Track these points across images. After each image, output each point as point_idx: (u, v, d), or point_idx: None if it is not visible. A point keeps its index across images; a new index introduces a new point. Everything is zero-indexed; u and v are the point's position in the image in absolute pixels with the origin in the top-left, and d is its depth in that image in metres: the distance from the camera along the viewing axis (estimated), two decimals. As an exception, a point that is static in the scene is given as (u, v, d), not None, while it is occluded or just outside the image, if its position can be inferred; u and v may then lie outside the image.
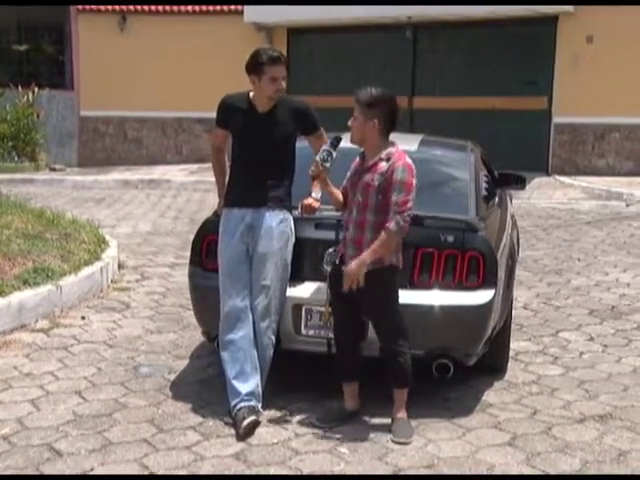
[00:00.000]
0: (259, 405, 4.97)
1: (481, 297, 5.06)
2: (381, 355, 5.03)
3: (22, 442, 4.72)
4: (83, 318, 7.01)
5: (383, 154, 4.80)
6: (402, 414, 4.90)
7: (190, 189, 15.14)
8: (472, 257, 5.07)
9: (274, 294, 5.06)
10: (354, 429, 4.90)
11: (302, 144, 5.30)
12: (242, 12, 17.28)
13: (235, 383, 4.95)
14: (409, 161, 4.77)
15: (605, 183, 14.92)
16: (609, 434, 4.95)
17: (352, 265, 4.67)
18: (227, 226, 5.14)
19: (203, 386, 5.57)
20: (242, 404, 4.89)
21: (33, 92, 18.08)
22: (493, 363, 5.72)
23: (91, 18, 18.87)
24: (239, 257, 5.07)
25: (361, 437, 4.80)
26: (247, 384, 4.94)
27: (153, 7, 18.75)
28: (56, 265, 7.51)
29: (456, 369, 5.19)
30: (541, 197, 13.76)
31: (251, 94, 5.20)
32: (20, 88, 18.04)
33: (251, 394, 4.93)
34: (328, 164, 4.84)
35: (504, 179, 7.08)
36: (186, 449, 4.65)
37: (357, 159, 4.97)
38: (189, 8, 18.53)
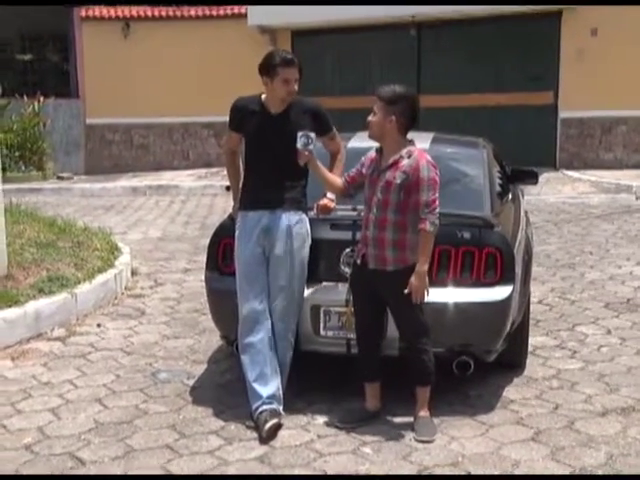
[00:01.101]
0: (280, 407, 4.95)
1: (499, 293, 5.04)
2: (401, 354, 5.02)
3: (45, 451, 4.72)
4: (99, 326, 7.01)
5: (404, 152, 4.78)
6: (425, 412, 4.89)
7: (199, 194, 15.15)
8: (489, 253, 5.05)
9: (292, 296, 5.05)
10: (377, 429, 4.88)
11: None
12: (246, 15, 17.28)
13: (256, 386, 4.93)
14: (431, 159, 4.76)
15: (614, 176, 14.88)
16: (632, 427, 4.93)
17: (416, 282, 4.65)
18: (243, 229, 5.12)
19: (223, 390, 5.56)
20: (264, 407, 4.87)
21: (39, 101, 18.07)
22: (512, 359, 5.69)
23: (95, 26, 18.85)
24: (256, 259, 5.06)
25: (384, 437, 4.78)
26: (268, 387, 4.93)
27: (157, 13, 18.77)
28: (70, 273, 7.51)
29: (476, 366, 5.17)
30: (550, 192, 13.73)
31: (263, 96, 5.19)
32: (26, 98, 18.03)
33: (272, 397, 4.92)
34: (311, 146, 4.89)
35: (516, 175, 7.06)
36: (209, 454, 4.63)
37: (372, 154, 4.95)
38: (192, 13, 18.53)
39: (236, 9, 18.04)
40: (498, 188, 5.98)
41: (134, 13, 18.90)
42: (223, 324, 5.50)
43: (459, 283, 5.06)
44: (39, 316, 6.76)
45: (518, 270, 5.26)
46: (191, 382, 5.74)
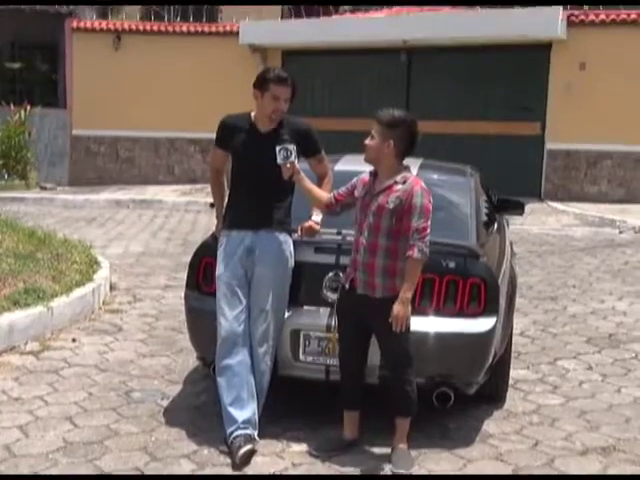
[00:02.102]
0: (255, 433, 4.81)
1: (483, 325, 4.93)
2: (382, 382, 4.90)
3: (10, 471, 4.55)
4: (74, 340, 6.84)
5: (398, 177, 4.68)
6: (403, 444, 4.75)
7: (182, 210, 15.00)
8: (474, 284, 4.94)
9: (272, 319, 4.92)
10: (353, 459, 4.75)
11: (302, 166, 5.16)
12: (237, 33, 17.20)
13: (231, 410, 4.80)
14: (425, 186, 4.66)
15: (598, 210, 14.83)
16: (612, 467, 4.82)
17: (398, 309, 4.50)
18: (225, 248, 5.00)
19: (197, 412, 5.41)
20: (238, 432, 4.73)
21: (25, 110, 17.95)
22: (493, 392, 5.58)
23: (86, 37, 18.67)
24: (237, 280, 4.93)
25: (360, 468, 4.65)
26: (244, 411, 4.79)
27: (148, 27, 18.63)
28: (47, 286, 7.35)
29: (456, 398, 5.05)
30: (534, 223, 13.66)
31: (252, 114, 5.09)
32: (12, 106, 17.89)
33: (247, 422, 4.78)
34: (292, 158, 4.80)
35: (503, 204, 6.98)
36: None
37: (365, 177, 4.83)
38: (184, 28, 18.39)
39: (228, 26, 17.96)
40: (484, 217, 5.88)
41: (126, 26, 18.75)
42: (200, 345, 5.36)
43: (442, 313, 4.95)
44: (13, 329, 6.59)
45: (502, 302, 5.15)
46: (165, 403, 5.58)
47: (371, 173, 4.82)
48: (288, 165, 4.81)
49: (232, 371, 4.84)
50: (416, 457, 4.78)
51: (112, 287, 8.56)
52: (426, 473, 4.64)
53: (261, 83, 4.98)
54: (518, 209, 7.20)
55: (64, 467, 4.60)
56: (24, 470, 4.56)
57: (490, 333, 4.94)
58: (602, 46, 15.77)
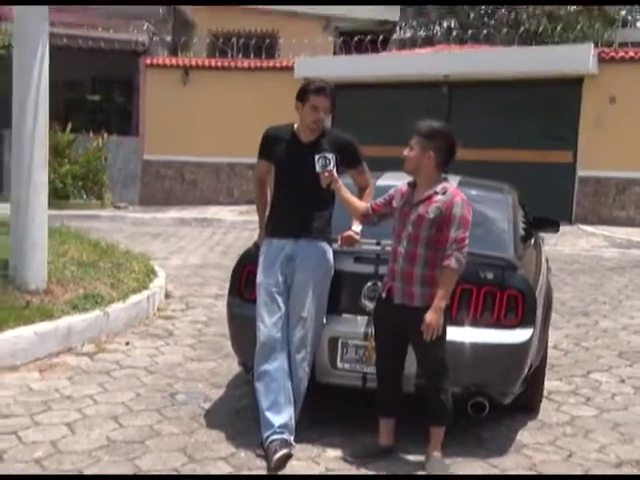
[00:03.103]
0: (291, 438, 4.38)
1: (519, 336, 4.46)
2: (418, 391, 4.45)
3: (53, 466, 4.21)
4: (127, 344, 6.49)
5: (438, 187, 4.25)
6: (437, 452, 4.29)
7: (239, 228, 14.60)
8: (511, 295, 4.48)
9: (311, 326, 4.50)
10: (387, 465, 4.31)
11: (344, 181, 4.75)
12: (293, 68, 16.90)
13: (268, 415, 4.38)
14: (465, 198, 4.23)
15: (625, 233, 14.21)
16: (648, 481, 4.32)
17: (430, 317, 4.08)
18: (266, 256, 4.61)
19: (237, 416, 5.00)
20: (275, 436, 4.31)
21: (103, 137, 17.86)
22: (527, 402, 5.08)
23: (158, 72, 18.59)
24: (277, 287, 4.53)
25: (394, 475, 4.20)
26: (280, 416, 4.37)
27: (213, 63, 18.50)
28: (105, 292, 7.02)
29: (490, 408, 4.58)
30: (566, 244, 13.05)
31: (295, 125, 4.72)
32: (92, 134, 17.85)
33: (284, 426, 4.35)
34: (331, 167, 4.41)
35: (538, 222, 6.50)
36: (216, 481, 4.08)
37: (403, 187, 4.40)
38: (245, 64, 18.20)
39: (285, 62, 17.69)
40: (521, 232, 5.41)
41: (193, 62, 18.63)
42: (242, 350, 4.95)
43: (479, 323, 4.49)
44: (70, 331, 6.26)
45: (539, 314, 4.67)
46: (207, 405, 5.18)
47: (409, 184, 4.40)
48: (326, 173, 4.42)
49: (270, 376, 4.43)
50: (450, 465, 4.33)
51: (167, 295, 8.21)
52: (460, 482, 4.17)
53: (301, 94, 4.61)
54: (554, 226, 6.72)
55: (105, 465, 4.24)
56: (67, 466, 4.21)
57: (526, 344, 4.46)
58: (631, 81, 15.24)
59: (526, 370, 4.55)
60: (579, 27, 20.44)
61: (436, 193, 4.22)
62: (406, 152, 4.30)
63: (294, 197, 4.61)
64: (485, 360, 4.44)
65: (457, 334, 4.38)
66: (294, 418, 4.44)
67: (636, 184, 15.42)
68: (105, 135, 17.97)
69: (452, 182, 4.79)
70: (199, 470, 4.18)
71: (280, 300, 4.51)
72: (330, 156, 4.39)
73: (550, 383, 5.73)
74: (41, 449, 4.41)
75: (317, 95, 4.55)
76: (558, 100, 15.70)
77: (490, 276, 4.48)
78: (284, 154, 4.65)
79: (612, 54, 15.60)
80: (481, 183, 6.04)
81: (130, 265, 8.11)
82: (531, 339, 4.47)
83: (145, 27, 18.83)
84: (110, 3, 17.46)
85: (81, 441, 4.54)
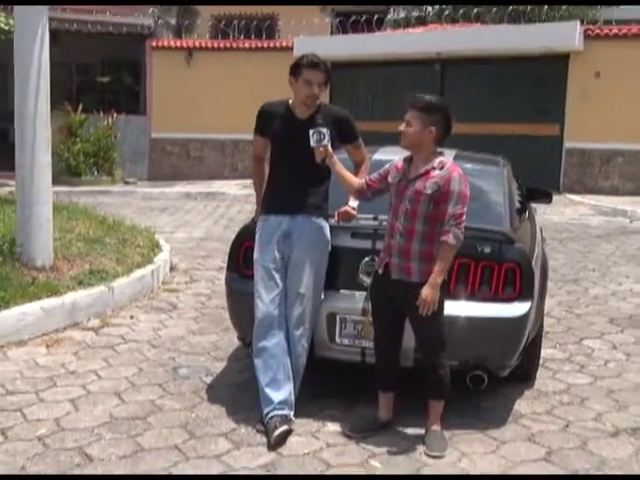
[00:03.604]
0: (291, 413, 4.11)
1: (518, 309, 4.17)
2: (416, 365, 4.16)
3: (56, 444, 3.94)
4: (132, 318, 6.20)
5: (436, 162, 3.93)
6: (436, 426, 4.02)
7: (242, 201, 14.25)
8: (509, 269, 4.18)
9: (309, 302, 4.19)
10: (387, 440, 4.03)
11: (340, 155, 4.42)
12: (292, 48, 16.45)
13: (268, 391, 4.09)
14: (462, 173, 3.90)
15: (611, 201, 13.90)
16: (645, 450, 4.04)
17: (427, 292, 3.78)
18: (263, 233, 4.29)
19: (238, 390, 4.72)
20: (274, 412, 4.03)
21: (112, 117, 17.55)
22: (524, 372, 4.79)
23: (163, 54, 18.20)
24: (274, 264, 4.21)
25: (394, 449, 3.93)
26: (280, 392, 4.09)
27: (215, 45, 18.09)
28: (110, 267, 6.73)
29: (489, 379, 4.30)
30: (554, 213, 12.71)
31: (290, 101, 4.37)
32: (102, 114, 17.53)
33: (284, 402, 4.08)
34: (325, 142, 4.05)
35: (531, 193, 6.18)
36: (216, 458, 3.81)
37: (399, 163, 4.07)
38: (246, 45, 17.78)
39: (284, 42, 17.26)
40: (517, 205, 5.09)
41: (197, 44, 18.22)
42: (241, 325, 4.66)
43: (477, 297, 4.18)
44: (76, 307, 5.98)
45: (536, 286, 4.37)
46: (209, 379, 4.91)
47: (405, 159, 4.06)
48: (321, 148, 4.07)
49: (268, 353, 4.14)
50: (449, 438, 4.07)
51: (172, 268, 7.91)
52: (460, 455, 3.90)
53: (294, 69, 4.27)
54: (546, 197, 6.42)
55: (106, 443, 3.97)
56: (69, 444, 3.96)
57: (525, 317, 4.17)
58: (615, 57, 14.85)
59: (524, 343, 4.27)
60: (565, 6, 19.99)
61: (433, 168, 3.90)
62: (403, 127, 3.94)
63: (290, 173, 4.28)
64: (484, 334, 4.14)
65: (455, 308, 4.08)
66: (294, 394, 4.16)
67: (619, 155, 15.10)
68: (114, 115, 17.68)
69: (448, 156, 4.48)
70: (199, 448, 3.90)
71: (277, 277, 4.20)
72: (325, 131, 4.04)
73: (545, 351, 5.44)
74: (45, 426, 4.15)
75: (310, 69, 4.20)
76: (546, 75, 15.32)
77: (487, 250, 4.17)
78: (279, 130, 4.31)
79: (597, 31, 15.27)
80: (476, 157, 5.71)
81: (135, 240, 7.81)
82: (529, 312, 4.18)
83: (150, 11, 18.46)
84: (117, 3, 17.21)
85: (84, 418, 4.28)
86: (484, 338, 4.15)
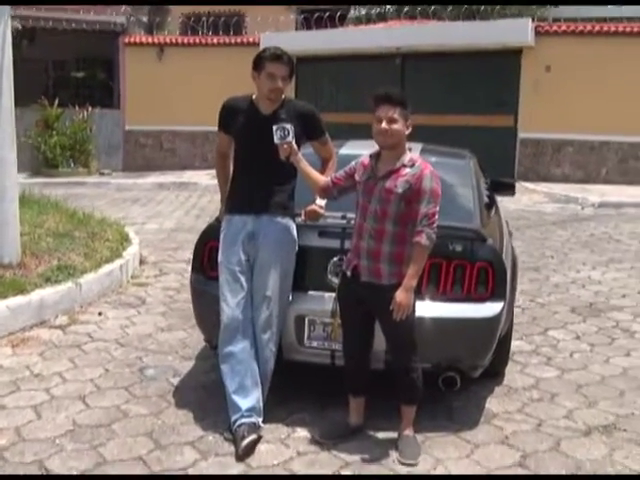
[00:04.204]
0: (260, 420, 3.68)
1: (490, 309, 3.77)
2: (387, 367, 3.75)
3: (15, 458, 3.50)
4: (100, 314, 5.72)
5: (406, 159, 3.48)
6: (409, 431, 3.62)
7: (212, 191, 13.49)
8: (481, 267, 3.77)
9: (275, 305, 3.74)
10: (359, 446, 3.62)
11: (306, 151, 3.97)
12: (259, 44, 15.87)
13: (235, 398, 3.66)
14: (433, 170, 3.46)
15: (562, 189, 13.60)
16: (618, 450, 3.72)
17: (401, 296, 3.34)
18: (227, 233, 3.82)
19: (205, 392, 4.27)
20: (242, 420, 3.60)
21: (87, 111, 16.94)
22: (493, 368, 4.37)
23: (135, 50, 17.56)
24: (239, 266, 3.75)
25: (367, 457, 3.52)
26: (247, 399, 3.65)
27: (186, 40, 17.48)
28: (79, 262, 6.23)
29: (461, 380, 3.91)
30: (510, 200, 12.25)
31: (254, 96, 3.89)
32: (77, 108, 16.93)
33: (252, 409, 3.65)
34: (289, 138, 3.58)
35: (496, 186, 5.76)
36: (181, 471, 3.37)
37: (365, 160, 3.61)
38: (215, 41, 17.18)
39: (251, 38, 16.66)
40: (486, 199, 4.68)
41: (167, 40, 17.59)
42: (206, 328, 4.19)
43: (449, 297, 3.78)
44: (43, 304, 5.49)
45: (508, 284, 3.97)
46: (176, 380, 4.46)
47: (372, 155, 3.60)
48: (285, 145, 3.61)
49: (235, 358, 3.70)
50: (422, 442, 3.68)
51: (142, 261, 7.41)
52: (434, 462, 3.50)
53: (257, 62, 3.80)
54: (510, 189, 6.03)
55: (68, 455, 3.53)
56: (28, 457, 3.50)
57: (498, 317, 3.78)
58: (564, 52, 14.54)
59: (496, 342, 3.88)
60: (515, 5, 19.67)
61: (404, 166, 3.45)
62: (386, 125, 3.43)
63: (254, 171, 3.81)
64: (456, 335, 3.75)
65: (427, 309, 3.68)
66: (262, 400, 3.72)
67: (569, 145, 14.81)
68: (89, 108, 17.06)
69: (415, 149, 4.04)
70: (165, 459, 3.47)
71: (243, 279, 3.74)
72: (289, 127, 3.57)
73: (512, 343, 5.04)
74: (5, 437, 3.70)
75: (273, 62, 3.74)
76: (500, 69, 14.94)
77: (459, 249, 3.76)
78: (242, 126, 3.84)
79: (547, 28, 14.98)
80: (443, 150, 5.28)
81: (105, 234, 7.29)
82: (502, 312, 3.79)
83: (123, 9, 17.84)
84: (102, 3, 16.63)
85: (46, 427, 3.82)
86: (457, 339, 3.76)
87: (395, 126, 3.43)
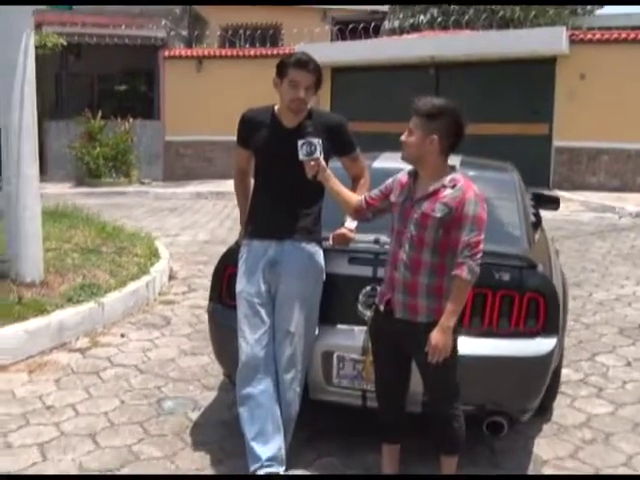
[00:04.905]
0: (282, 470, 3.12)
1: (542, 346, 3.17)
2: (425, 411, 3.17)
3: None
4: (122, 336, 5.23)
5: (446, 180, 2.87)
6: (450, 485, 3.04)
7: (249, 201, 13.30)
8: (531, 298, 3.17)
9: (300, 341, 3.18)
10: (392, 501, 3.06)
11: (334, 164, 3.40)
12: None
13: (254, 445, 3.10)
14: (479, 192, 2.87)
15: (598, 197, 12.86)
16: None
17: (437, 338, 2.75)
18: (246, 261, 3.27)
19: (226, 429, 3.73)
20: (262, 471, 3.06)
21: (129, 122, 16.71)
22: (541, 402, 3.77)
23: (175, 63, 17.31)
24: (259, 298, 3.19)
25: (397, 475, 2.96)
26: (268, 446, 3.10)
27: (223, 53, 17.17)
28: (104, 281, 5.75)
29: (509, 425, 3.30)
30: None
31: (276, 107, 3.33)
32: (119, 119, 16.69)
33: (273, 459, 3.09)
34: (317, 154, 3.00)
35: (538, 199, 5.16)
36: (192, 532, 2.85)
37: (403, 178, 3.01)
38: (251, 53, 16.81)
39: (287, 49, 16.18)
40: (532, 218, 4.08)
41: (206, 53, 17.29)
42: (226, 362, 3.63)
43: (495, 333, 3.18)
44: (63, 326, 5.04)
45: (561, 316, 3.36)
46: (195, 415, 3.94)
47: (410, 173, 3.00)
48: (312, 162, 3.03)
49: (255, 401, 3.14)
50: (465, 496, 3.08)
51: (172, 276, 6.91)
52: (479, 523, 2.92)
53: (280, 68, 3.21)
54: (554, 204, 5.42)
55: (70, 507, 3.00)
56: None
57: (550, 355, 3.18)
58: (598, 60, 13.82)
59: (548, 382, 3.28)
60: (549, 13, 18.91)
61: (444, 187, 2.85)
62: (404, 137, 2.89)
63: (276, 191, 3.27)
64: (503, 376, 3.16)
65: (470, 346, 3.08)
66: (284, 448, 3.16)
67: (604, 153, 14.06)
68: (131, 120, 16.82)
69: (453, 161, 3.44)
70: (174, 516, 2.94)
71: (263, 312, 3.19)
72: (316, 141, 3.00)
73: (558, 371, 4.47)
74: (3, 483, 3.20)
75: (297, 69, 3.15)
76: (534, 78, 14.25)
77: (506, 277, 3.16)
78: (263, 140, 3.30)
79: (581, 36, 14.26)
80: (483, 163, 4.67)
81: (134, 248, 6.82)
82: (554, 349, 3.19)
83: (163, 24, 17.59)
84: (134, 3, 16.34)
85: (49, 470, 3.32)
86: (504, 380, 3.17)
87: (410, 138, 2.87)
